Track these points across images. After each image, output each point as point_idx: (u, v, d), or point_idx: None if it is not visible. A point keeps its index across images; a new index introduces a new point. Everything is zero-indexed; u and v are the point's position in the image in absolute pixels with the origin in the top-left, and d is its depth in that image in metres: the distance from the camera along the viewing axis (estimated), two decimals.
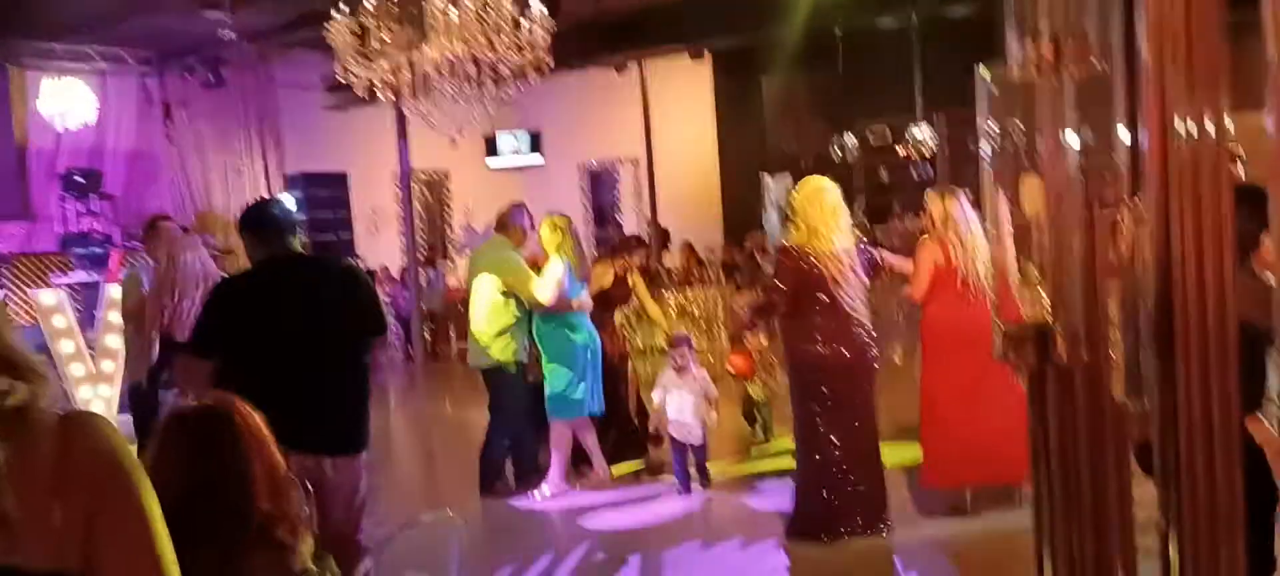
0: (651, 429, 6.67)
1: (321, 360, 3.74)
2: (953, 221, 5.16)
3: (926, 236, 5.26)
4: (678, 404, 5.89)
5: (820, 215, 4.85)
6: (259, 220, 3.92)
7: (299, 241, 4.06)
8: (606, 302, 6.51)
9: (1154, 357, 1.34)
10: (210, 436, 2.14)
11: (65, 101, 11.62)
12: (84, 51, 11.68)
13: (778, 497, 5.49)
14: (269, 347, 3.64)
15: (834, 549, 4.78)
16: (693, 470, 6.02)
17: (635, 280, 6.69)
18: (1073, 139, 1.44)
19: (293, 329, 3.71)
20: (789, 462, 5.41)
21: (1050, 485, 1.42)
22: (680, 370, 5.92)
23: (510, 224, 6.17)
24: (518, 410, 6.11)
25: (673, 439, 5.98)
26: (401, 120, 12.25)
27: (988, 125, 1.65)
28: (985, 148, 1.69)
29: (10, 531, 1.20)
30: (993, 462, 4.90)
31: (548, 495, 6.06)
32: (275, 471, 2.22)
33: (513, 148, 15.39)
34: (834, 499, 4.81)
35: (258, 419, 2.22)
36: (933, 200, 5.31)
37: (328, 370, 3.78)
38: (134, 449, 1.41)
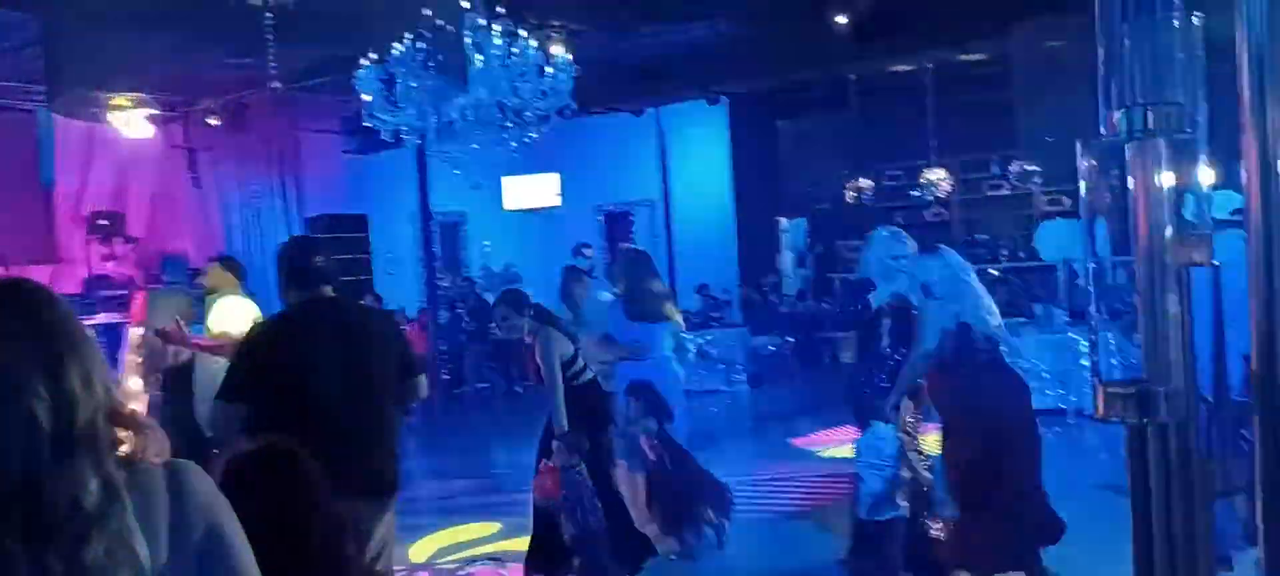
0: None
1: (354, 405, 3.75)
2: None
3: None
4: None
5: None
6: (297, 263, 3.93)
7: (331, 287, 4.05)
8: None
9: (1258, 408, 1.39)
10: (270, 479, 2.18)
11: (124, 119, 11.73)
12: (109, 98, 11.87)
13: None
14: (302, 392, 3.64)
15: None
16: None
17: None
18: (1167, 200, 1.50)
19: (326, 374, 3.72)
20: None
21: (1149, 542, 1.47)
22: None
23: None
24: None
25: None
26: (422, 164, 12.40)
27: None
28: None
29: None
30: None
31: None
32: (331, 515, 2.26)
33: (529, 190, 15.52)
34: None
35: (314, 463, 2.27)
36: None
37: (360, 414, 3.80)
38: None
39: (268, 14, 4.46)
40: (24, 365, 1.26)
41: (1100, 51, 1.51)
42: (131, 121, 11.55)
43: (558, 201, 15.59)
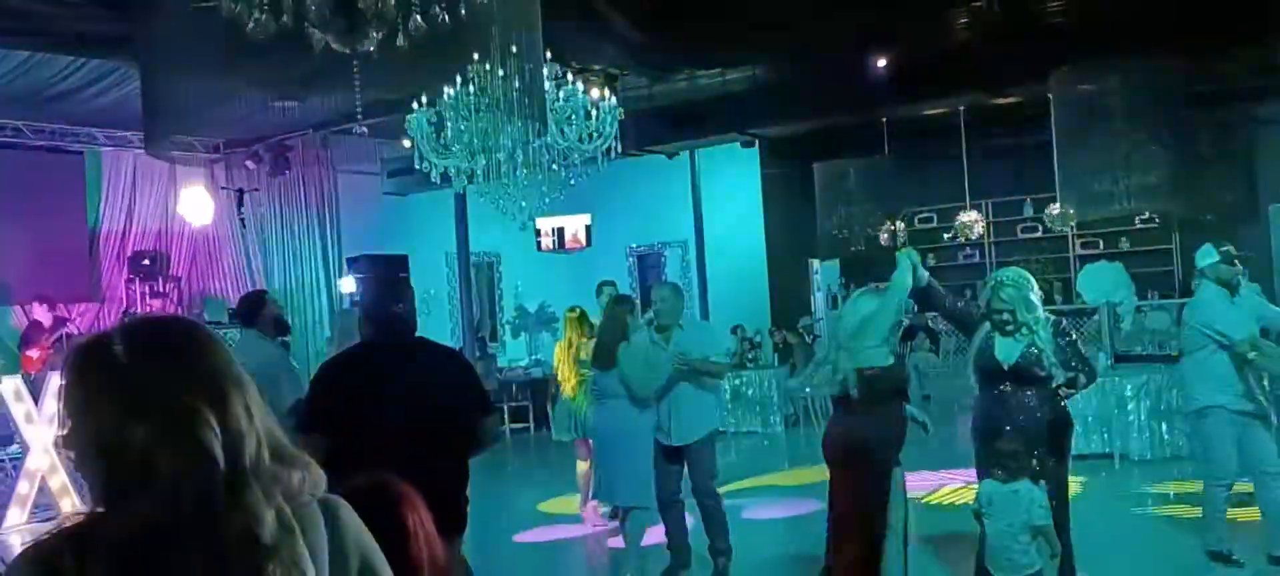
0: None
1: (422, 441, 3.78)
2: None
3: None
4: None
5: None
6: (376, 306, 4.03)
7: (407, 334, 4.11)
8: None
9: None
10: (381, 516, 2.22)
11: (193, 205, 12.38)
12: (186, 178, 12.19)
13: None
14: (371, 427, 3.69)
15: None
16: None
17: None
18: None
19: (394, 410, 3.77)
20: None
21: None
22: None
23: None
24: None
25: None
26: (462, 205, 12.53)
27: None
28: None
29: None
30: None
31: None
32: (438, 554, 2.30)
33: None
34: None
35: (420, 501, 2.31)
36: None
37: (429, 451, 3.83)
38: None
39: (355, 62, 4.58)
40: (196, 399, 1.28)
41: None
42: (199, 206, 12.12)
43: (589, 242, 15.66)
